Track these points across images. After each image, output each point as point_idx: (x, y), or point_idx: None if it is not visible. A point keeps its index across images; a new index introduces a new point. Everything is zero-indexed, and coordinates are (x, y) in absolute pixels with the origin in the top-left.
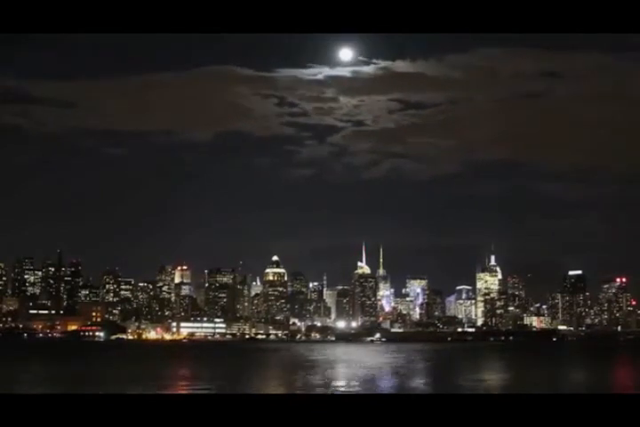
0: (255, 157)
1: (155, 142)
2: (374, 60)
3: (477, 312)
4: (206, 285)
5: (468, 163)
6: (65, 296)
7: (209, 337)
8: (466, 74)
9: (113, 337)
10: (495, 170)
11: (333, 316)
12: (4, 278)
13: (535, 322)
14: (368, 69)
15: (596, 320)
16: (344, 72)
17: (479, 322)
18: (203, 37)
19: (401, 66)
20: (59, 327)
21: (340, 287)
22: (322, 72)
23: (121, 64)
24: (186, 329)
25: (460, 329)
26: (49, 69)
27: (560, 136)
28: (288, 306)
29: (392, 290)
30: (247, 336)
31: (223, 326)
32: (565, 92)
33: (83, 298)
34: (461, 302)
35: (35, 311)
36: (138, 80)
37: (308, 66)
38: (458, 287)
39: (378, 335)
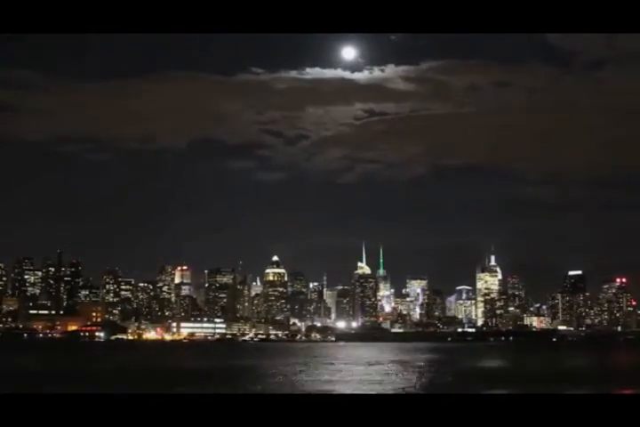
0: (238, 162)
1: (135, 149)
2: (331, 71)
3: (477, 312)
4: (206, 285)
5: (437, 167)
6: (65, 296)
7: (209, 337)
8: (420, 86)
9: (113, 337)
10: (464, 174)
11: (333, 316)
12: (4, 279)
13: (535, 322)
14: (329, 80)
15: (596, 320)
16: (306, 83)
17: (479, 322)
18: (176, 45)
19: (359, 77)
20: (59, 327)
21: (341, 287)
22: (287, 81)
23: (97, 71)
24: (186, 329)
25: (460, 329)
26: (25, 78)
27: (515, 142)
28: (288, 306)
29: (392, 290)
30: (247, 336)
31: (223, 326)
32: (517, 102)
33: (83, 298)
34: (461, 302)
35: (35, 311)
36: (113, 87)
37: (275, 73)
38: (458, 287)
39: (251, 335)
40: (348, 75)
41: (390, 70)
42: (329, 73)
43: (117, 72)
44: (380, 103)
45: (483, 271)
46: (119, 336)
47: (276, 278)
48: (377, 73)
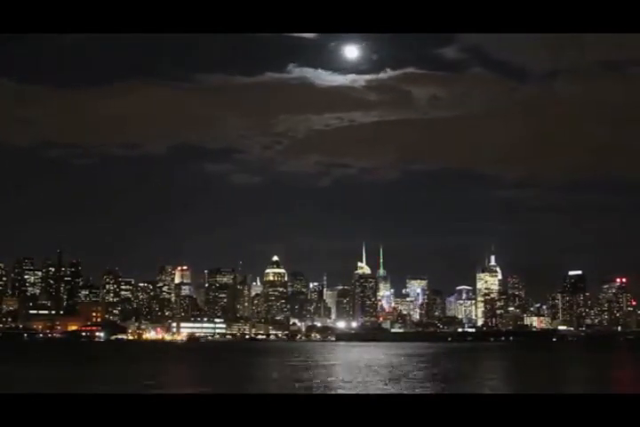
0: (220, 165)
1: (125, 153)
2: (294, 76)
3: (477, 312)
4: (206, 285)
5: (406, 172)
6: (65, 296)
7: (209, 337)
8: (385, 94)
9: (113, 337)
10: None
11: (333, 316)
12: (4, 278)
13: (535, 322)
14: (294, 88)
15: (596, 320)
16: (277, 90)
17: (479, 322)
18: (157, 51)
19: (324, 85)
20: (59, 327)
21: (341, 287)
22: (259, 88)
23: (79, 77)
24: (186, 329)
25: (460, 329)
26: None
27: (485, 147)
28: (288, 306)
29: (392, 290)
30: (247, 336)
31: (223, 326)
32: (477, 111)
33: (83, 298)
34: (461, 302)
35: (35, 311)
36: (93, 93)
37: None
38: (458, 287)
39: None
40: (317, 82)
41: (352, 79)
42: (296, 80)
43: (94, 78)
44: (348, 110)
45: (483, 271)
46: (119, 336)
47: (275, 278)
48: (342, 81)
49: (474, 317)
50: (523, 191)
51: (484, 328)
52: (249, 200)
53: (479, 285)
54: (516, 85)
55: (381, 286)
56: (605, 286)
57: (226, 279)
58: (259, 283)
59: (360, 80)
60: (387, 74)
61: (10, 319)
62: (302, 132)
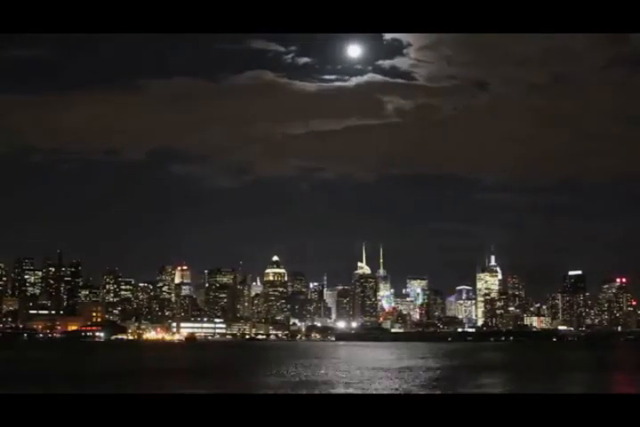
0: (204, 167)
1: (107, 160)
2: (267, 83)
3: (477, 312)
4: (206, 285)
5: (384, 176)
6: (65, 296)
7: (209, 337)
8: (352, 102)
9: (113, 337)
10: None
11: (333, 316)
12: (4, 278)
13: (535, 322)
14: (265, 94)
15: (596, 320)
16: (252, 95)
17: (479, 322)
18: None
19: (295, 93)
20: (59, 327)
21: (341, 287)
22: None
23: (63, 81)
24: (186, 329)
25: (460, 329)
26: None
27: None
28: (288, 306)
29: (392, 290)
30: (247, 336)
31: (223, 326)
32: (441, 117)
33: (83, 298)
34: (461, 302)
35: (35, 311)
36: (73, 97)
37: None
38: (458, 287)
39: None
40: (288, 89)
41: (319, 87)
42: (268, 87)
43: (77, 82)
44: (318, 117)
45: (483, 271)
46: (119, 336)
47: (276, 278)
48: (311, 88)
49: (474, 317)
50: (511, 193)
51: (484, 328)
52: (243, 202)
53: (479, 285)
54: (475, 92)
55: (381, 286)
56: (605, 286)
57: (226, 279)
58: (259, 283)
59: (328, 88)
60: (352, 82)
61: (10, 319)
62: (279, 138)
